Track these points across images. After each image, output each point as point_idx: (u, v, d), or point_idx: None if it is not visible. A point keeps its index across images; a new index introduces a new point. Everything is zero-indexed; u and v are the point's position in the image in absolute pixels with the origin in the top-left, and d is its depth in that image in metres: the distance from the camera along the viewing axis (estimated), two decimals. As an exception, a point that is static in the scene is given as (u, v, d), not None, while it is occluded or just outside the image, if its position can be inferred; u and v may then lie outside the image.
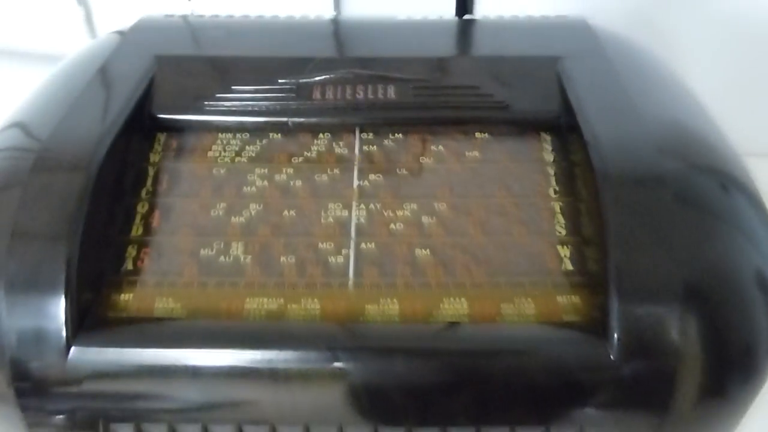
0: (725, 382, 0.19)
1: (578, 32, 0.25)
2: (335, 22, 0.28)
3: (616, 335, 0.17)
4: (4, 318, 0.18)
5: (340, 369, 0.17)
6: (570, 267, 0.19)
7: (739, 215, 0.20)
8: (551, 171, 0.22)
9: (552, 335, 0.18)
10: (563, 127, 0.22)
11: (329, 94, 0.23)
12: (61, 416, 0.18)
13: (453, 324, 0.18)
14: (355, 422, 0.18)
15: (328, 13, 0.35)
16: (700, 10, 0.36)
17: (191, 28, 0.27)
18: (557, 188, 0.21)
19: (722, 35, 0.37)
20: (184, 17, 0.28)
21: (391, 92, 0.23)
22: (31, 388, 0.18)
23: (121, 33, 0.26)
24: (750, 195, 0.21)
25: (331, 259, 0.20)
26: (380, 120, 0.22)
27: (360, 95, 0.23)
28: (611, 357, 0.17)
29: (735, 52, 0.39)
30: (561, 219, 0.20)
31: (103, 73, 0.23)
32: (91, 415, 0.18)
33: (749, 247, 0.20)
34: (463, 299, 0.19)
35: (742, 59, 0.39)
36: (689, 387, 0.18)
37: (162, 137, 0.22)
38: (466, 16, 0.29)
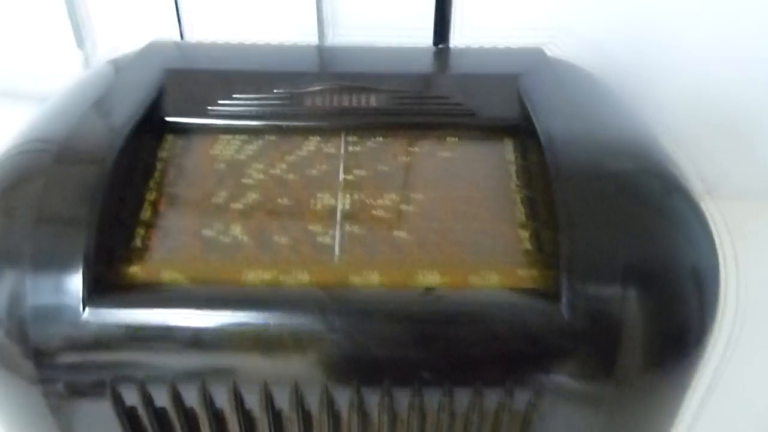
0: (661, 345, 0.21)
1: (535, 57, 0.29)
2: (324, 47, 0.31)
3: (566, 299, 0.20)
4: (28, 285, 0.20)
5: (327, 329, 0.20)
6: (529, 246, 0.22)
7: (674, 206, 0.23)
8: (512, 168, 0.25)
9: (513, 300, 0.21)
10: (522, 132, 0.25)
11: (319, 102, 0.26)
12: (72, 376, 0.21)
13: (427, 290, 0.21)
14: (338, 377, 0.20)
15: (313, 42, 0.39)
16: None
17: (196, 48, 0.30)
18: (518, 182, 0.24)
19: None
20: (190, 42, 0.31)
21: (373, 101, 0.26)
22: (48, 347, 0.20)
23: (135, 52, 0.29)
24: (684, 191, 0.24)
25: (320, 239, 0.22)
26: (364, 125, 0.25)
27: (346, 103, 0.26)
28: (564, 316, 0.20)
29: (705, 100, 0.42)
30: (521, 208, 0.23)
31: (119, 82, 0.26)
32: (99, 374, 0.21)
33: (682, 233, 0.23)
34: (435, 271, 0.21)
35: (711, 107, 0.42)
36: (630, 346, 0.21)
37: (170, 137, 0.25)
38: (441, 45, 0.33)
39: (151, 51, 0.29)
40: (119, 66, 0.27)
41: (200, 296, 0.20)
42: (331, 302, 0.20)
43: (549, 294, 0.20)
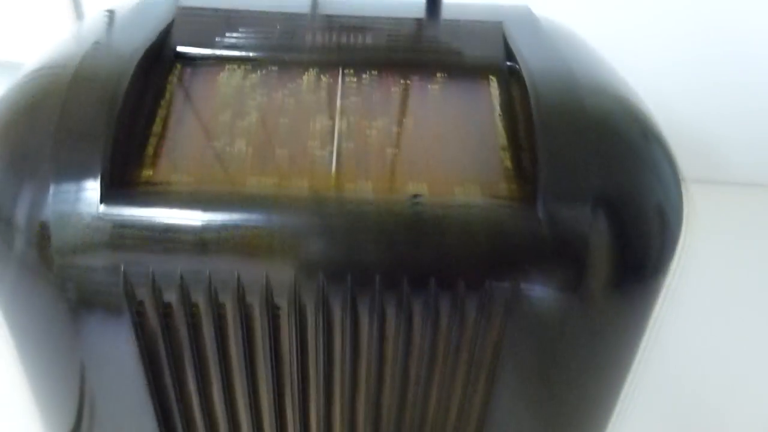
0: (622, 264, 0.24)
1: (521, 11, 0.31)
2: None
3: (542, 203, 0.22)
4: (51, 191, 0.22)
5: (323, 229, 0.22)
6: (509, 165, 0.24)
7: (646, 145, 0.25)
8: (496, 102, 0.27)
9: (492, 205, 0.23)
10: (506, 71, 0.28)
11: (319, 39, 0.28)
12: (90, 274, 0.22)
13: (414, 196, 0.23)
14: (333, 274, 0.22)
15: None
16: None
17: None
18: (501, 113, 0.26)
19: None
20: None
21: (370, 40, 0.28)
22: (68, 247, 0.22)
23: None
24: (656, 134, 0.26)
25: (318, 153, 0.24)
26: (360, 60, 0.27)
27: (344, 41, 0.28)
28: (539, 218, 0.22)
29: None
30: (503, 134, 0.25)
31: (132, 16, 0.28)
32: (114, 270, 0.22)
33: (652, 169, 0.25)
34: (423, 182, 0.23)
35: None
36: (596, 257, 0.23)
37: (179, 65, 0.27)
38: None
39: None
40: (133, 4, 0.29)
41: (207, 195, 0.22)
42: (328, 205, 0.22)
43: (526, 201, 0.23)
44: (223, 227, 0.22)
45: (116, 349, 0.24)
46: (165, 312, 0.23)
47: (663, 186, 0.25)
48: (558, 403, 0.26)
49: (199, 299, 0.23)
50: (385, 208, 0.22)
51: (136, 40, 0.26)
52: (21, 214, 0.23)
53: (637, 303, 0.26)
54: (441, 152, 0.25)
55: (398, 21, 0.29)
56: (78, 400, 0.26)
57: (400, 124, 0.26)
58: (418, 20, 0.29)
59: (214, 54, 0.27)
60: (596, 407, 0.28)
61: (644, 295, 0.26)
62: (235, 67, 0.27)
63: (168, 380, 0.25)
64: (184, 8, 0.29)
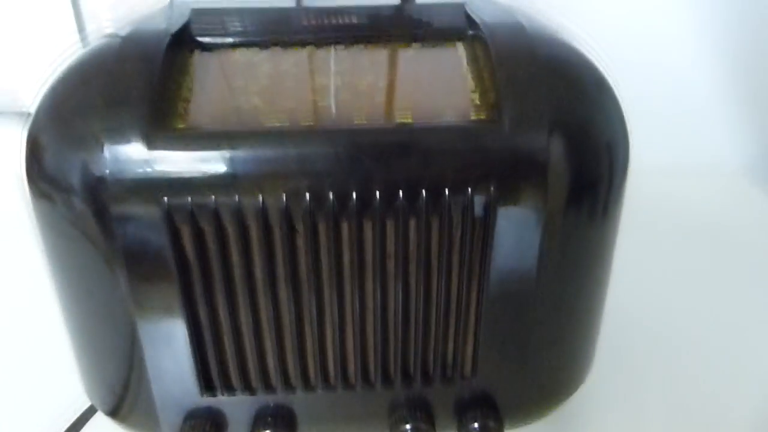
0: (579, 179, 0.28)
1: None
2: None
3: (507, 123, 0.27)
4: (104, 140, 0.27)
5: (332, 152, 0.26)
6: (478, 102, 0.29)
7: (597, 87, 0.31)
8: (464, 59, 0.32)
9: (470, 127, 0.28)
10: (469, 38, 0.33)
11: (312, 23, 0.33)
12: (139, 193, 0.27)
13: (402, 123, 0.28)
14: (339, 188, 0.27)
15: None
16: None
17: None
18: (468, 66, 0.31)
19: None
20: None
21: (354, 20, 0.33)
22: (119, 169, 0.26)
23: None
24: (604, 79, 0.31)
25: (320, 103, 0.29)
26: (348, 37, 0.33)
27: (333, 22, 0.33)
28: (506, 134, 0.27)
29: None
30: (471, 81, 0.31)
31: (155, 15, 0.33)
32: (158, 203, 0.27)
33: (600, 106, 0.30)
34: (408, 115, 0.28)
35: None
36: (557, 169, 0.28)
37: (198, 49, 0.32)
38: None
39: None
40: (154, 10, 0.35)
41: (232, 135, 0.27)
42: (333, 135, 0.27)
43: (495, 123, 0.28)
44: (247, 160, 0.27)
45: (159, 278, 0.28)
46: (199, 238, 0.28)
47: (610, 124, 0.30)
48: (541, 299, 0.31)
49: (228, 224, 0.27)
50: (381, 134, 0.27)
51: (163, 31, 0.32)
52: (77, 176, 0.27)
53: (593, 217, 0.30)
54: (421, 96, 0.30)
55: (377, 8, 0.34)
56: (127, 330, 0.30)
57: (385, 79, 0.31)
58: (394, 5, 0.35)
59: (226, 41, 0.33)
60: (578, 308, 0.32)
61: (596, 210, 0.30)
62: (244, 49, 0.33)
63: (200, 299, 0.29)
64: (197, 9, 0.34)
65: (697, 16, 0.66)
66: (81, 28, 0.66)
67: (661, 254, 0.57)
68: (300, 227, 0.28)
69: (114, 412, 0.34)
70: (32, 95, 0.32)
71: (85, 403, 0.39)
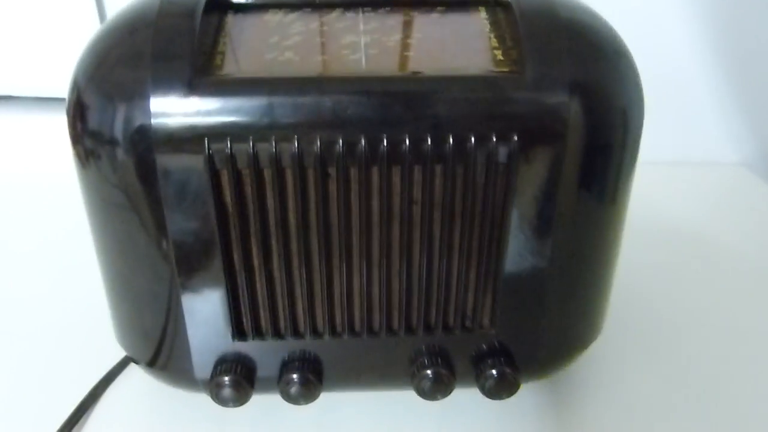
0: (595, 138, 0.30)
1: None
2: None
3: (530, 75, 0.29)
4: (149, 89, 0.28)
5: (364, 99, 0.28)
6: (501, 58, 0.31)
7: (617, 54, 0.32)
8: (486, 21, 0.34)
9: (493, 76, 0.29)
10: (492, 3, 0.35)
11: (341, -13, 0.35)
12: (182, 140, 0.28)
13: (430, 75, 0.29)
14: (372, 133, 0.28)
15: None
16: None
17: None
18: (490, 27, 0.33)
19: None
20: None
21: (382, -14, 0.35)
22: (163, 117, 0.28)
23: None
24: (621, 46, 0.33)
25: (350, 57, 0.31)
26: (376, 0, 0.35)
27: (361, -13, 0.35)
28: (527, 81, 0.28)
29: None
30: (494, 41, 0.32)
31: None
32: (200, 143, 0.28)
33: (619, 71, 0.31)
34: (435, 69, 0.30)
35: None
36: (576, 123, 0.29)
37: (232, 12, 0.34)
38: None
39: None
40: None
41: (270, 81, 0.29)
42: (365, 82, 0.29)
43: (518, 73, 0.29)
44: (284, 106, 0.28)
45: (199, 223, 0.30)
46: (237, 182, 0.29)
47: (627, 88, 0.32)
48: (558, 252, 0.32)
49: (265, 168, 0.29)
50: (410, 83, 0.29)
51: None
52: (121, 125, 0.29)
53: (607, 175, 0.32)
54: (447, 52, 0.31)
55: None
56: (167, 277, 0.31)
57: (411, 37, 0.32)
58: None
59: (259, 3, 0.34)
60: (593, 261, 0.33)
61: (611, 169, 0.32)
62: (276, 10, 0.34)
63: (236, 244, 0.30)
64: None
65: (695, 10, 0.67)
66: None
67: (666, 245, 0.58)
68: (333, 172, 0.29)
69: (151, 362, 0.36)
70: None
71: (119, 354, 0.41)
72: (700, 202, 0.66)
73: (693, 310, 0.49)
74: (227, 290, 0.32)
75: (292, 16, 0.34)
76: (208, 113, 0.28)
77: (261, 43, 0.32)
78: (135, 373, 0.41)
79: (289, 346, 0.34)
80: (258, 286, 0.32)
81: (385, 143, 0.28)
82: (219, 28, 0.33)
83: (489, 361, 0.35)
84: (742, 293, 0.51)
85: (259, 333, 0.34)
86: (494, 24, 0.33)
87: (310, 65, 0.30)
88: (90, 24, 0.68)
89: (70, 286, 0.50)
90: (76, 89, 0.31)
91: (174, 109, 0.28)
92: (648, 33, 0.67)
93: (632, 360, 0.44)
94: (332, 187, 0.30)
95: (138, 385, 0.41)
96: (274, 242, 0.31)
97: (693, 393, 0.41)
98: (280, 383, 0.34)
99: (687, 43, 0.69)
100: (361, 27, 0.33)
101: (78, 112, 0.30)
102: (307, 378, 0.34)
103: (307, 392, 0.34)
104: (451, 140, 0.29)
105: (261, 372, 0.35)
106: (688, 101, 0.72)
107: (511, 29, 0.32)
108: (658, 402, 0.41)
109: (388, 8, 0.34)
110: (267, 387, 0.35)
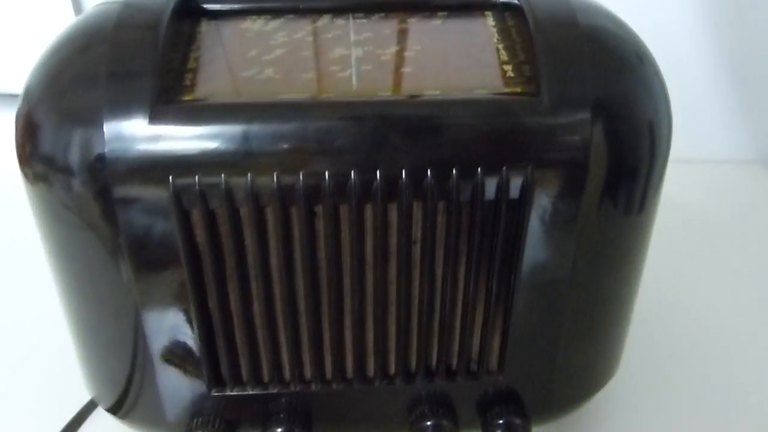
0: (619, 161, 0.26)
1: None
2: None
3: (546, 97, 0.25)
4: (103, 116, 0.24)
5: (355, 127, 0.24)
6: (512, 75, 0.27)
7: (637, 61, 0.28)
8: (493, 30, 0.30)
9: (504, 100, 0.25)
10: (500, 7, 0.31)
11: (329, -10, 0.31)
12: (142, 173, 0.24)
13: (432, 95, 0.25)
14: (364, 167, 0.24)
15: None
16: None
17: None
18: (498, 38, 0.29)
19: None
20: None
21: (374, -12, 0.31)
22: (120, 146, 0.24)
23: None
24: (646, 53, 0.29)
25: (340, 74, 0.27)
26: (368, 5, 0.30)
27: (351, -10, 0.31)
28: (545, 109, 0.25)
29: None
30: (503, 52, 0.28)
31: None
32: (163, 180, 0.24)
33: (645, 84, 0.28)
34: (437, 90, 0.26)
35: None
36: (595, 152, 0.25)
37: (206, 18, 0.30)
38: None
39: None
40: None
41: (245, 107, 0.25)
42: (356, 108, 0.25)
43: (531, 96, 0.25)
44: (261, 135, 0.24)
45: (166, 266, 0.26)
46: (210, 221, 0.25)
47: (654, 103, 0.28)
48: (575, 291, 0.28)
49: (242, 207, 0.25)
50: (408, 107, 0.25)
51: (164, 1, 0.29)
52: (75, 153, 0.25)
53: (632, 205, 0.28)
54: (449, 68, 0.27)
55: (398, -27, 0.32)
56: (131, 321, 0.28)
57: (409, 50, 0.28)
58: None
59: (236, 8, 0.30)
60: (612, 300, 0.30)
61: (635, 197, 0.28)
62: (256, 17, 0.30)
63: (210, 282, 0.27)
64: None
65: (709, 3, 0.64)
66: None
67: (680, 247, 0.55)
68: (319, 210, 0.25)
69: (116, 409, 0.32)
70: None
71: (85, 398, 0.37)
72: (714, 199, 0.63)
73: (713, 322, 0.46)
74: (201, 336, 0.28)
75: (275, 24, 0.30)
76: (173, 142, 0.24)
77: (238, 57, 0.28)
78: (105, 416, 0.37)
79: (274, 395, 0.31)
80: (237, 331, 0.29)
81: (379, 177, 0.25)
82: (190, 40, 0.29)
83: (496, 410, 0.31)
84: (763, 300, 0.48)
85: (239, 382, 0.30)
86: (503, 33, 0.29)
87: (294, 85, 0.26)
88: (66, 18, 0.64)
89: (39, 314, 0.46)
90: (27, 104, 0.27)
91: (132, 138, 0.24)
92: (659, 27, 0.64)
93: (649, 384, 0.41)
94: (319, 226, 0.26)
95: (108, 429, 0.37)
96: (254, 286, 0.27)
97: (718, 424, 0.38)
98: (263, 438, 0.31)
99: (700, 39, 0.66)
100: (353, 37, 0.29)
101: (27, 131, 0.26)
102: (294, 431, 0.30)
103: (295, 446, 0.31)
104: (455, 173, 0.25)
105: (243, 425, 0.31)
106: (701, 98, 0.69)
107: (523, 39, 0.28)
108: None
109: (382, 14, 0.31)
110: (250, 439, 0.32)
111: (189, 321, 0.28)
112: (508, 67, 0.27)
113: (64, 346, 0.35)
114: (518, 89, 0.26)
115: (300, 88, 0.26)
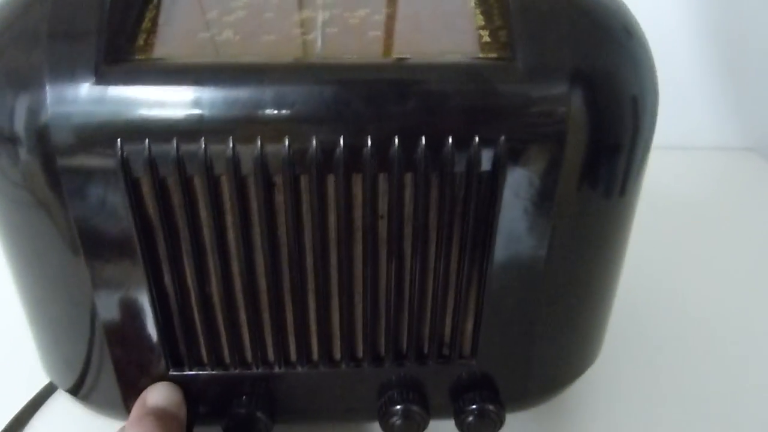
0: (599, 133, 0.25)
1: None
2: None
3: (521, 59, 0.23)
4: (46, 80, 0.23)
5: (317, 91, 0.23)
6: (488, 40, 0.25)
7: (624, 33, 0.26)
8: (471, -4, 0.28)
9: (478, 65, 0.24)
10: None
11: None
12: (88, 138, 0.23)
13: (400, 59, 0.24)
14: (326, 134, 0.23)
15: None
16: None
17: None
18: (476, 2, 0.27)
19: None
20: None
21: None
22: (64, 110, 0.22)
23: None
24: (634, 27, 0.27)
25: (304, 37, 0.25)
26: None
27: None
28: (518, 71, 0.23)
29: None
30: (480, 17, 0.27)
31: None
32: (111, 147, 0.23)
33: (630, 55, 0.26)
34: (407, 53, 0.24)
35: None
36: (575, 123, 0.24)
37: (164, -23, 0.28)
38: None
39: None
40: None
41: (200, 68, 0.23)
42: (317, 70, 0.23)
43: (507, 61, 0.24)
44: (216, 98, 0.23)
45: (115, 229, 0.24)
46: (161, 187, 0.24)
47: (639, 77, 0.26)
48: (552, 274, 0.27)
49: (195, 175, 0.24)
50: (374, 71, 0.23)
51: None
52: (18, 119, 0.23)
53: (613, 186, 0.27)
54: (421, 33, 0.26)
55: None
56: (83, 300, 0.26)
57: (380, 13, 0.27)
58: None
59: (198, -33, 0.29)
60: (591, 284, 0.29)
61: (617, 177, 0.26)
62: (219, -22, 0.28)
63: (164, 257, 0.25)
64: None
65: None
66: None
67: (670, 235, 0.53)
68: (278, 180, 0.24)
69: (75, 390, 0.31)
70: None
71: (44, 380, 0.36)
72: (707, 187, 0.62)
73: (700, 310, 0.45)
74: (157, 315, 0.27)
75: (238, -14, 0.28)
76: (121, 106, 0.22)
77: (197, 18, 0.26)
78: (65, 398, 0.36)
79: (235, 376, 0.29)
80: (195, 310, 0.27)
81: (342, 146, 0.23)
82: (146, 2, 0.27)
83: (468, 396, 0.30)
84: (755, 289, 0.47)
85: (198, 363, 0.29)
86: (479, 1, 0.28)
87: (253, 47, 0.25)
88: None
89: None
90: None
91: (76, 101, 0.22)
92: (652, 14, 0.63)
93: (631, 373, 0.39)
94: (278, 197, 0.25)
95: (69, 410, 0.36)
96: (210, 262, 0.26)
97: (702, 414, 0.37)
98: (224, 421, 0.29)
99: (694, 26, 0.64)
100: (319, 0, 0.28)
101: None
102: (255, 416, 0.29)
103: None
104: (423, 143, 0.23)
105: (204, 406, 0.30)
106: (694, 85, 0.68)
107: (501, 4, 0.27)
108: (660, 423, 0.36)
109: (353, -23, 0.29)
110: (211, 422, 0.31)
111: (143, 299, 0.26)
112: (484, 33, 0.26)
113: (23, 327, 0.33)
114: (493, 55, 0.25)
115: (260, 50, 0.24)
